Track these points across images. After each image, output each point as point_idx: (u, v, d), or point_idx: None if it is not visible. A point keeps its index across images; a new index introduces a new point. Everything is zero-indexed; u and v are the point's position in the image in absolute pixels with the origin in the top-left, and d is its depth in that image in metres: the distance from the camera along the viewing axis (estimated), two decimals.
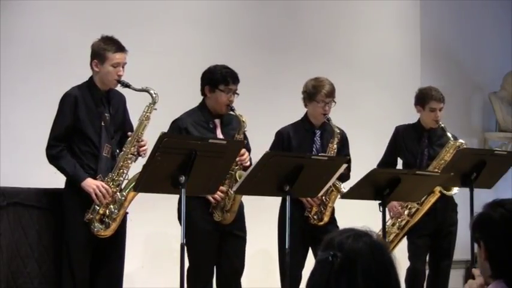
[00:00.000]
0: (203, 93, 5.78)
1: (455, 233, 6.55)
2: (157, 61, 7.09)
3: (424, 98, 6.49)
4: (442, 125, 6.47)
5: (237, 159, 5.60)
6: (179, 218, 5.65)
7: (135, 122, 5.47)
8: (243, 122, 5.65)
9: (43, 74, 6.58)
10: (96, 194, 5.21)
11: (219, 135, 5.74)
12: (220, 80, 5.69)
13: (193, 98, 6.57)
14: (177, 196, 4.99)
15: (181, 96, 7.05)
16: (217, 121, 5.78)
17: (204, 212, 5.64)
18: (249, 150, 5.78)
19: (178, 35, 7.32)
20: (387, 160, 6.60)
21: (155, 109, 5.36)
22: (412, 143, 6.55)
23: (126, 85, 5.33)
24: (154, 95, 5.35)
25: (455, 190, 6.39)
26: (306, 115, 6.15)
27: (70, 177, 5.27)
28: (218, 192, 5.56)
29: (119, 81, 5.33)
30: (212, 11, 7.55)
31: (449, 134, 6.44)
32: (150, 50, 7.07)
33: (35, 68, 6.60)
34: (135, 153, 5.35)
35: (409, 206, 6.34)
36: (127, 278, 5.67)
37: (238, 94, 5.74)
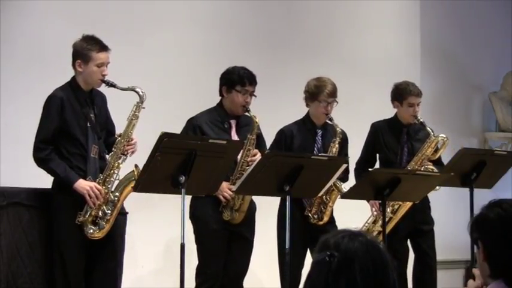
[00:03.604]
0: (221, 93, 5.80)
1: (433, 231, 6.53)
2: (157, 61, 7.09)
3: (402, 94, 6.43)
4: (421, 120, 6.41)
5: (249, 159, 5.63)
6: (191, 218, 5.67)
7: (122, 121, 5.42)
8: (256, 122, 5.67)
9: (43, 74, 6.57)
10: (89, 196, 5.15)
11: (234, 135, 5.78)
12: (237, 80, 5.73)
13: (193, 98, 6.59)
14: (179, 196, 4.98)
15: (182, 96, 7.07)
16: (233, 122, 5.82)
17: (214, 211, 5.68)
18: (264, 152, 5.77)
19: (178, 34, 7.32)
20: (367, 158, 6.54)
21: (143, 108, 5.29)
22: (391, 140, 6.49)
23: (112, 85, 5.26)
24: (141, 94, 5.28)
25: (437, 186, 6.35)
26: (307, 115, 6.16)
27: (61, 180, 5.19)
28: (228, 192, 5.58)
29: (103, 81, 5.26)
30: (213, 10, 7.55)
31: (429, 129, 6.38)
32: (150, 50, 7.07)
33: (35, 68, 6.60)
34: (126, 153, 5.30)
35: (391, 203, 6.29)
36: (127, 278, 5.67)
37: (255, 96, 5.76)
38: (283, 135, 6.12)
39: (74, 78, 5.34)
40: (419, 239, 6.49)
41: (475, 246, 2.74)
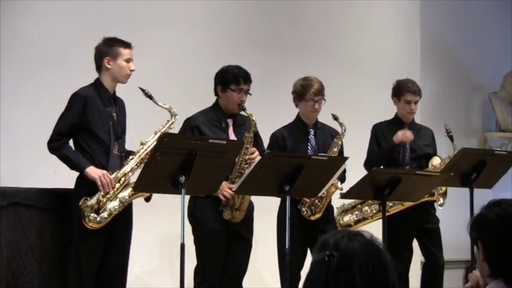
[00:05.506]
0: (216, 93, 5.82)
1: (439, 229, 6.55)
2: (156, 62, 7.08)
3: (400, 90, 6.51)
4: (451, 133, 6.46)
5: (247, 157, 5.64)
6: (190, 218, 5.67)
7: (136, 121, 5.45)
8: (253, 120, 5.68)
9: (43, 75, 6.58)
10: (101, 181, 5.19)
11: (231, 134, 5.80)
12: (231, 79, 5.74)
13: (191, 99, 6.58)
14: (179, 196, 4.98)
15: (179, 97, 7.06)
16: (229, 121, 5.83)
17: (213, 211, 5.68)
18: (262, 151, 5.78)
19: (177, 36, 7.32)
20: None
21: (172, 128, 5.40)
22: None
23: (149, 96, 5.37)
24: (174, 114, 5.40)
25: (441, 200, 6.38)
26: (298, 115, 6.19)
27: (73, 165, 5.24)
28: (228, 191, 5.59)
29: (143, 90, 5.35)
30: (211, 12, 7.55)
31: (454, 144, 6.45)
32: (148, 51, 7.06)
33: (36, 69, 6.61)
34: (144, 161, 5.34)
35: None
36: (127, 278, 5.67)
37: (250, 94, 5.77)
38: (274, 138, 6.14)
39: (98, 79, 5.42)
40: (425, 239, 6.52)
41: (475, 246, 2.74)
